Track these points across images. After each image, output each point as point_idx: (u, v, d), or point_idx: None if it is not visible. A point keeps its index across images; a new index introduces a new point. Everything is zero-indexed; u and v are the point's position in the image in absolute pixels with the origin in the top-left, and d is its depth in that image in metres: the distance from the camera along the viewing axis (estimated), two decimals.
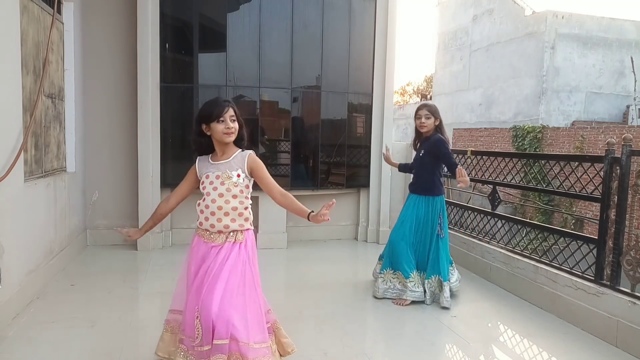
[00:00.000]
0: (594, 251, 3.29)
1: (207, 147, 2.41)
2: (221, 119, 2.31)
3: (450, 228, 5.09)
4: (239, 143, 2.43)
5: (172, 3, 5.03)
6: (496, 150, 13.07)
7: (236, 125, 2.35)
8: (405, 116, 26.18)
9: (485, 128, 17.68)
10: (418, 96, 38.28)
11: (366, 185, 5.77)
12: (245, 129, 2.46)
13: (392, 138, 5.77)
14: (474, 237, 4.64)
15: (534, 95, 17.64)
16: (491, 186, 4.50)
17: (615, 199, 3.14)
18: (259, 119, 5.28)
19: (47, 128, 4.10)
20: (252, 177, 2.39)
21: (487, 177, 4.61)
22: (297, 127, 5.49)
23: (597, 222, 3.30)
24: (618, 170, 3.12)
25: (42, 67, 3.87)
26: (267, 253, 5.10)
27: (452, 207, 5.18)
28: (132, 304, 3.64)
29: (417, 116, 3.76)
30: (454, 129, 19.39)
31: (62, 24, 4.56)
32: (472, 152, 4.91)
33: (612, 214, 3.16)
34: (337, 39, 5.46)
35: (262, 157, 5.26)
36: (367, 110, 5.74)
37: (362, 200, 5.85)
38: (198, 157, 2.44)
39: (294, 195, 2.46)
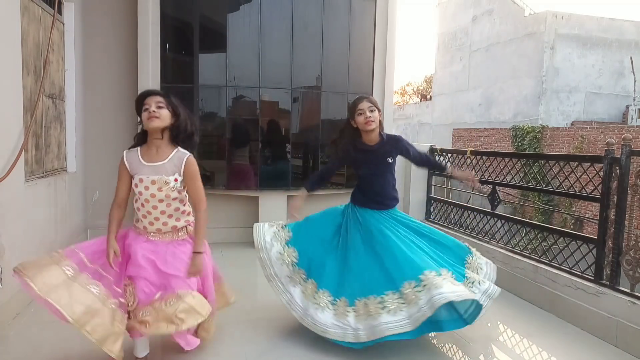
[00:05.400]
0: (594, 251, 3.30)
1: (142, 141, 2.41)
2: (145, 106, 2.30)
3: (450, 228, 5.11)
4: (175, 138, 2.38)
5: (172, 3, 5.04)
6: (496, 151, 13.08)
7: (164, 112, 2.30)
8: (405, 116, 26.22)
9: (484, 128, 17.70)
10: (418, 96, 38.30)
11: None
12: (188, 124, 2.39)
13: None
14: (473, 237, 4.64)
15: (534, 95, 17.65)
16: (491, 186, 4.51)
17: (615, 199, 3.15)
18: (259, 119, 5.29)
19: (48, 128, 4.11)
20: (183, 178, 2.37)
21: (486, 177, 4.61)
22: (273, 129, 5.45)
23: (597, 222, 3.31)
24: (617, 170, 3.12)
25: (42, 67, 3.87)
26: None
27: (452, 207, 5.19)
28: None
29: (358, 111, 2.93)
30: (453, 129, 19.41)
31: (63, 24, 4.56)
32: (472, 152, 4.92)
33: (612, 214, 3.17)
34: (337, 39, 5.46)
35: (262, 157, 5.33)
36: None
37: None
38: (125, 152, 2.43)
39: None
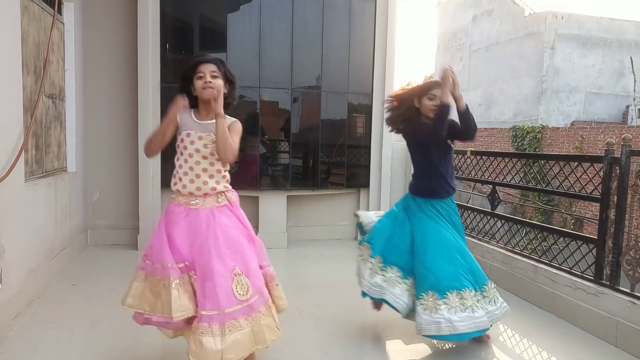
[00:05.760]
0: (594, 251, 3.30)
1: (193, 106, 2.37)
2: (200, 74, 2.26)
3: None
4: (227, 106, 2.35)
5: (172, 3, 5.04)
6: (496, 151, 13.07)
7: (219, 81, 2.28)
8: None
9: (484, 128, 17.69)
10: None
11: (366, 185, 5.77)
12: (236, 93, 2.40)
13: (392, 138, 5.78)
14: (473, 237, 4.64)
15: (534, 95, 17.66)
16: (491, 186, 4.51)
17: (615, 199, 3.15)
18: (259, 119, 5.29)
19: (48, 128, 4.11)
20: None
21: (486, 177, 4.61)
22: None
23: (597, 222, 3.31)
24: (617, 170, 3.12)
25: (42, 67, 3.87)
26: (267, 252, 5.09)
27: None
28: None
29: (430, 95, 2.86)
30: None
31: (63, 24, 4.56)
32: (472, 152, 4.92)
33: (612, 214, 3.17)
34: (337, 39, 5.46)
35: (262, 157, 5.33)
36: (367, 110, 5.74)
37: (362, 200, 5.85)
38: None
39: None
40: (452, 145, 2.99)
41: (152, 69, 4.93)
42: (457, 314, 2.68)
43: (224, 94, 2.33)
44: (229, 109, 2.38)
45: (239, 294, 2.21)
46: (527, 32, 17.89)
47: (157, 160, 5.06)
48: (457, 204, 5.07)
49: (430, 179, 2.97)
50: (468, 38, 21.10)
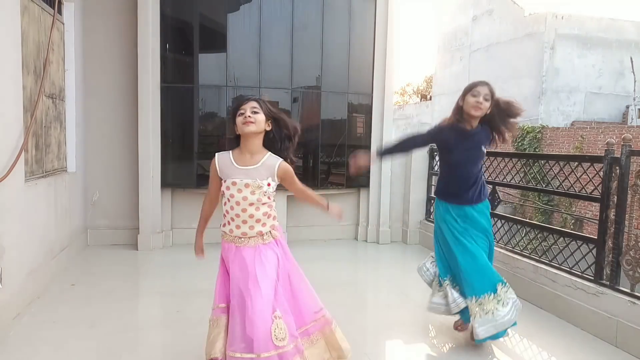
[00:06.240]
0: (594, 251, 3.30)
1: (235, 145, 2.33)
2: (241, 111, 2.24)
3: None
4: (272, 144, 2.33)
5: (172, 3, 5.04)
6: (496, 150, 13.05)
7: (259, 117, 2.24)
8: (405, 116, 26.21)
9: None
10: (418, 96, 38.30)
11: (366, 185, 5.77)
12: (286, 131, 2.35)
13: (392, 138, 5.78)
14: None
15: (534, 95, 17.64)
16: (491, 186, 4.50)
17: (615, 199, 3.15)
18: None
19: (48, 128, 4.11)
20: (280, 183, 2.35)
21: (486, 177, 4.61)
22: None
23: (597, 222, 3.31)
24: (617, 170, 3.12)
25: (42, 67, 3.87)
26: None
27: None
28: (132, 304, 3.65)
29: (473, 93, 2.83)
30: None
31: (63, 24, 4.56)
32: None
33: (612, 214, 3.17)
34: (337, 40, 5.47)
35: None
36: (367, 110, 5.74)
37: (362, 200, 5.86)
38: (217, 155, 2.33)
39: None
40: (481, 154, 3.03)
41: (152, 69, 4.93)
42: (476, 321, 2.78)
43: (267, 130, 2.31)
44: (274, 146, 2.34)
45: (277, 338, 2.10)
46: (527, 32, 17.88)
47: (157, 160, 5.07)
48: None
49: (448, 184, 3.08)
50: (468, 38, 21.09)
